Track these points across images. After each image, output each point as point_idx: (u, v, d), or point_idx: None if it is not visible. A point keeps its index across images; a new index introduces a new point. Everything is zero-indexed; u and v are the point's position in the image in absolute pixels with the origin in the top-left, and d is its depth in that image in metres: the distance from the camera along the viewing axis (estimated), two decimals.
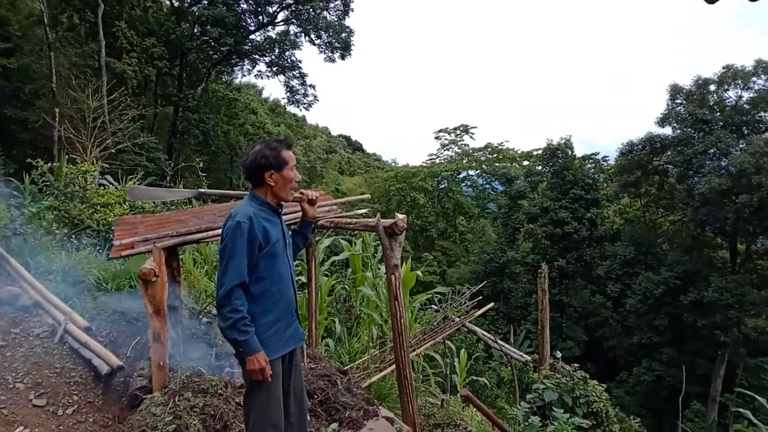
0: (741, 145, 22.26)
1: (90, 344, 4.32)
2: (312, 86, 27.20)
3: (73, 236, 6.85)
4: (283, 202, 2.79)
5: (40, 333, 4.62)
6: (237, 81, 31.85)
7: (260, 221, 2.57)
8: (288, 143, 2.77)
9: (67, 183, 7.87)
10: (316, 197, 2.98)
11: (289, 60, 26.23)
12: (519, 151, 41.82)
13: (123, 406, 3.91)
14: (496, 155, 42.02)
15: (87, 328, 4.55)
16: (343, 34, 24.85)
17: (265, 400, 2.58)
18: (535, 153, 37.99)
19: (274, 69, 26.39)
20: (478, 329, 9.88)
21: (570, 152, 29.89)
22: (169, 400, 3.45)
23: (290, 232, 2.99)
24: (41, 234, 6.46)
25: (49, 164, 8.45)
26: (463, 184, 42.79)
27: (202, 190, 4.62)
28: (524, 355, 9.94)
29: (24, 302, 4.93)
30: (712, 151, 22.76)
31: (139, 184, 9.38)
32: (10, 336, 4.50)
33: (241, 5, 24.49)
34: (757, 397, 6.49)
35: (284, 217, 2.94)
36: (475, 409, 5.40)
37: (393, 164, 57.69)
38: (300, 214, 3.04)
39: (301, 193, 2.92)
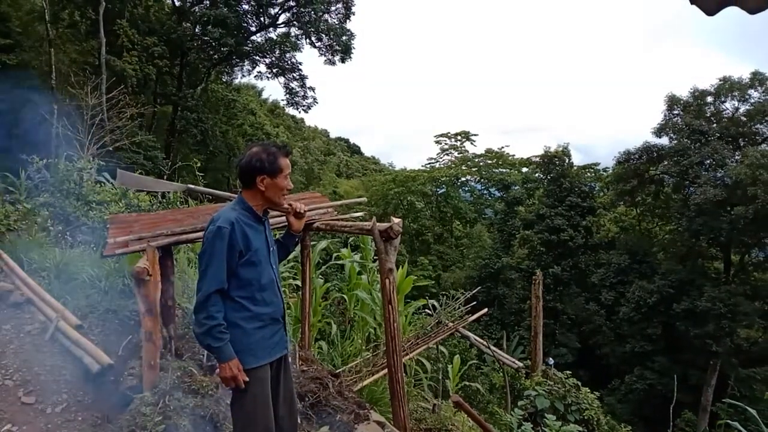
0: (737, 157, 22.45)
1: (81, 342, 4.29)
2: (312, 88, 27.31)
3: (68, 233, 6.82)
4: (270, 210, 2.73)
5: (31, 330, 4.59)
6: (237, 81, 31.87)
7: (242, 227, 2.52)
8: (287, 150, 2.71)
9: (62, 180, 7.84)
10: (304, 211, 2.91)
11: (289, 62, 26.30)
12: (518, 158, 41.93)
13: (113, 405, 3.88)
14: (495, 161, 42.10)
15: (78, 326, 4.52)
16: (344, 37, 24.94)
17: (252, 404, 2.56)
18: (534, 160, 38.11)
19: (274, 70, 26.45)
20: (470, 334, 9.86)
21: (567, 160, 30.07)
22: (159, 400, 3.43)
23: (275, 240, 2.91)
24: (35, 230, 6.43)
25: (45, 160, 8.43)
26: (461, 189, 42.86)
27: (192, 186, 4.62)
28: (516, 361, 9.94)
29: (16, 299, 4.91)
30: (708, 161, 22.93)
31: None
32: (0, 332, 4.48)
33: (243, 6, 24.58)
34: (747, 408, 6.51)
35: (271, 221, 2.89)
36: (466, 415, 5.40)
37: (390, 168, 57.78)
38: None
39: (290, 205, 2.84)
